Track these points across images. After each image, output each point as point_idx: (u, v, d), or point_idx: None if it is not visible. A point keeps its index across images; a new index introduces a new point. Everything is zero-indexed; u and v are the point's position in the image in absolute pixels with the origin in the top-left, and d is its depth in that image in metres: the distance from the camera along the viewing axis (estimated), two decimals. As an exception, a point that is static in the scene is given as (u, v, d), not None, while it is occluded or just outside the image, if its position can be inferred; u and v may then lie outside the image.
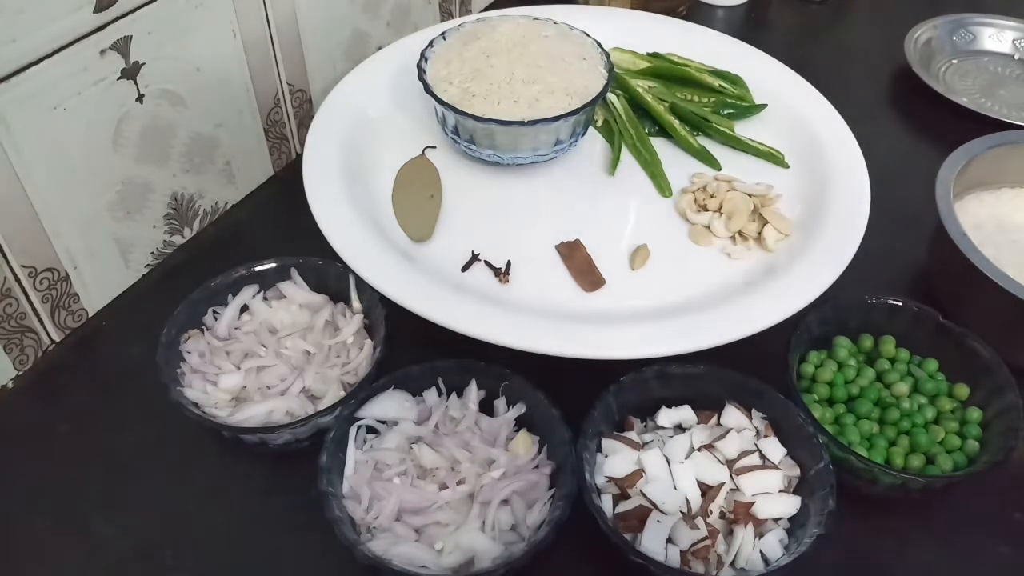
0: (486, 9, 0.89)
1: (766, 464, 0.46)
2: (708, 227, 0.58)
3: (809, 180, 0.61)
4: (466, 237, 0.57)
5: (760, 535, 0.44)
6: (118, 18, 0.50)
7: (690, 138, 0.65)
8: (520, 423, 0.48)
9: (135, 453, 0.50)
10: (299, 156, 0.67)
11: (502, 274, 0.54)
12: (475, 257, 0.55)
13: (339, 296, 0.54)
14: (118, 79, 0.52)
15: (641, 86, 0.68)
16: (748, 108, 0.68)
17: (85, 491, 0.48)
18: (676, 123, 0.66)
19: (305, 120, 0.69)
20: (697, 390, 0.49)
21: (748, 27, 0.92)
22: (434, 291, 0.51)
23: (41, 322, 0.54)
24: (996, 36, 0.87)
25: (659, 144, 0.65)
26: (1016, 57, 0.86)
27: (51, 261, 0.53)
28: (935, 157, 0.60)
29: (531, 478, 0.45)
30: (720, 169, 0.63)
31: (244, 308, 0.54)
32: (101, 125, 0.52)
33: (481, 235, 0.57)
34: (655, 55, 0.72)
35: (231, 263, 0.54)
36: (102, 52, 0.50)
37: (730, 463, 0.46)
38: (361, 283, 0.52)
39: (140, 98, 0.54)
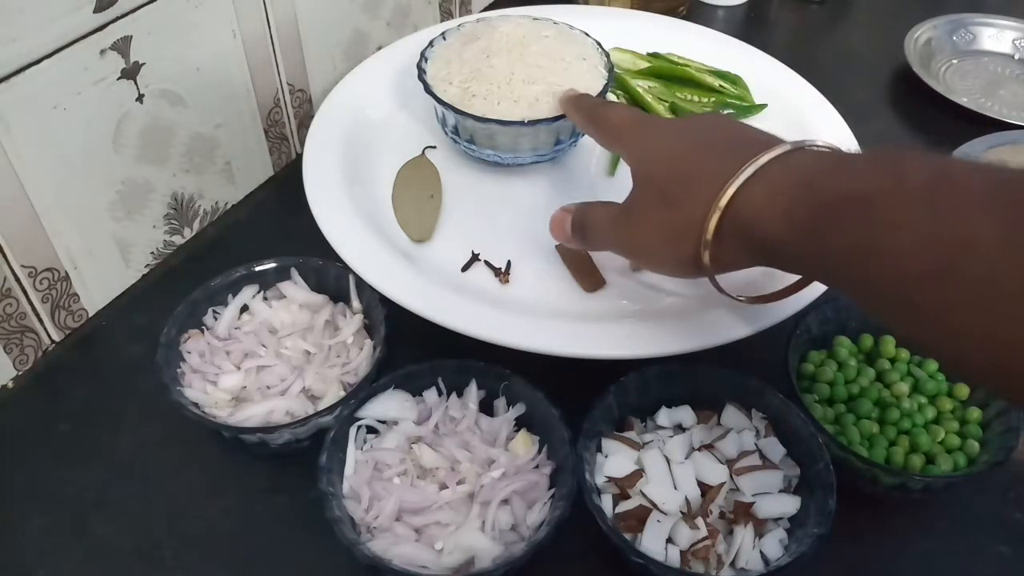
0: (486, 9, 0.89)
1: (766, 464, 0.46)
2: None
3: (809, 180, 0.61)
4: (466, 237, 0.57)
5: (760, 535, 0.44)
6: (118, 18, 0.50)
7: (690, 138, 0.65)
8: (520, 423, 0.48)
9: (135, 453, 0.50)
10: (299, 156, 0.67)
11: (502, 274, 0.54)
12: (475, 257, 0.55)
13: (339, 296, 0.54)
14: (118, 79, 0.52)
15: (641, 86, 0.68)
16: (748, 108, 0.68)
17: (85, 491, 0.48)
18: (676, 123, 0.66)
19: (305, 120, 0.69)
20: (697, 390, 0.49)
21: (748, 27, 0.92)
22: (434, 291, 0.51)
23: (41, 322, 0.54)
24: (996, 36, 0.87)
25: (659, 144, 0.65)
26: (1016, 57, 0.86)
27: (51, 261, 0.53)
28: (935, 157, 0.60)
29: (531, 478, 0.45)
30: (720, 169, 0.63)
31: (244, 308, 0.54)
32: (101, 125, 0.52)
33: (481, 235, 0.57)
34: (655, 55, 0.72)
35: (231, 263, 0.54)
36: (102, 52, 0.50)
37: (730, 463, 0.46)
38: (361, 283, 0.52)
39: (140, 98, 0.54)
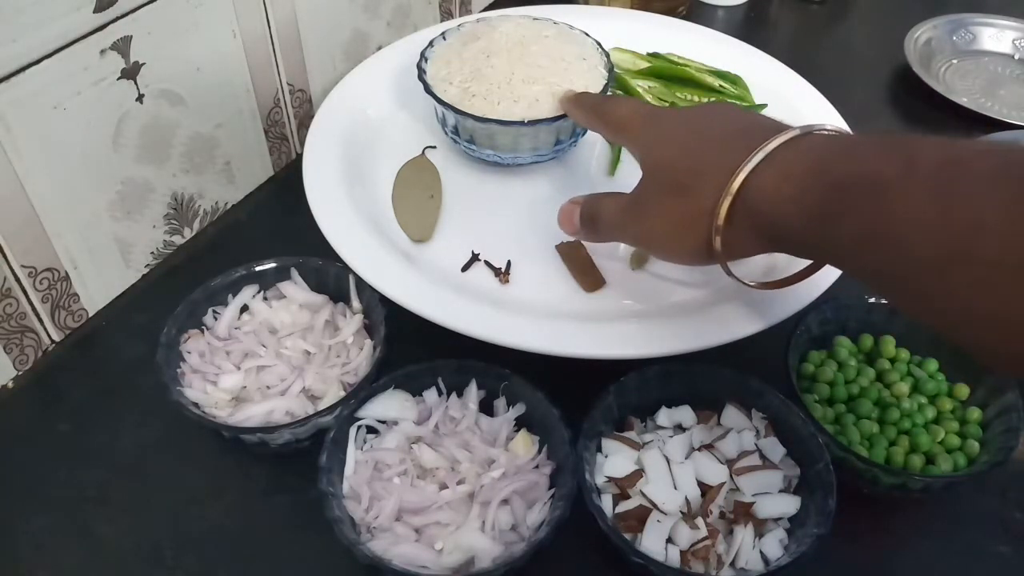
0: (486, 9, 0.89)
1: (766, 464, 0.46)
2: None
3: (809, 180, 0.61)
4: (466, 237, 0.57)
5: (760, 535, 0.44)
6: (118, 18, 0.50)
7: (690, 138, 0.65)
8: (520, 423, 0.48)
9: (135, 453, 0.50)
10: (299, 156, 0.67)
11: (502, 274, 0.54)
12: (475, 257, 0.55)
13: (339, 296, 0.54)
14: (118, 79, 0.52)
15: (641, 86, 0.68)
16: (748, 108, 0.68)
17: (85, 491, 0.48)
18: (676, 123, 0.66)
19: (305, 120, 0.69)
20: (697, 390, 0.49)
21: (748, 27, 0.92)
22: (434, 291, 0.51)
23: (41, 322, 0.54)
24: (996, 36, 0.87)
25: (659, 144, 0.65)
26: (1016, 57, 0.86)
27: (51, 261, 0.53)
28: (935, 157, 0.60)
29: (531, 478, 0.45)
30: (720, 169, 0.63)
31: (244, 308, 0.54)
32: (101, 125, 0.52)
33: (481, 235, 0.57)
34: (655, 55, 0.72)
35: (231, 263, 0.54)
36: (102, 52, 0.50)
37: (730, 463, 0.46)
38: (361, 283, 0.52)
39: (140, 98, 0.54)
